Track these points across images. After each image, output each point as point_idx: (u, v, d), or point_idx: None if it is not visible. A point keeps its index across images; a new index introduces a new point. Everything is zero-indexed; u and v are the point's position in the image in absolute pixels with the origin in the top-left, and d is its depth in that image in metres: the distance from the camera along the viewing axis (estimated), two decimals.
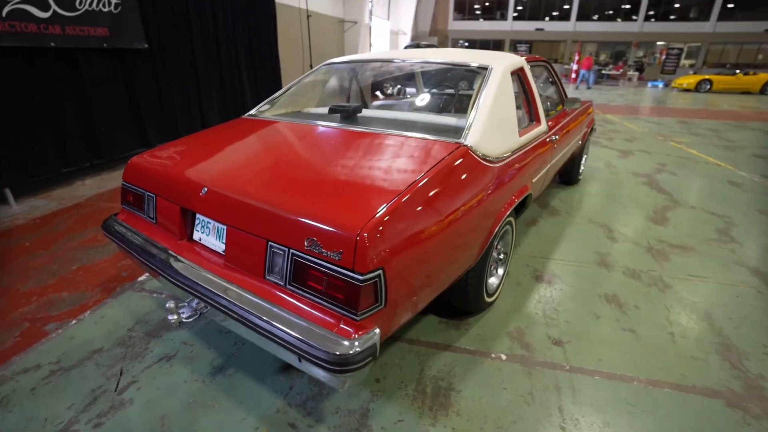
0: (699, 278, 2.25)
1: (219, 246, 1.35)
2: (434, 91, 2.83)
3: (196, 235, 1.46)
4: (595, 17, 23.86)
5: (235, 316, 1.15)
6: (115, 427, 1.33)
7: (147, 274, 2.17)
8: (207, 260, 1.36)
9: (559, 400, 1.44)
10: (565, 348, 1.70)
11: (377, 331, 1.03)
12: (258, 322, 1.09)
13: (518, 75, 2.09)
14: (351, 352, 0.96)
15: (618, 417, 1.37)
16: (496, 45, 26.31)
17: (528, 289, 2.12)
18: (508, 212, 1.62)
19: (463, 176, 1.35)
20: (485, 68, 1.82)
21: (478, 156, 1.46)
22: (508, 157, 1.66)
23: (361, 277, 0.98)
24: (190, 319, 1.32)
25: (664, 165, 4.59)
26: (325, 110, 2.07)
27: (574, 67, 19.39)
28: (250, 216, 1.21)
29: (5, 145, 3.12)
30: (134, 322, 1.84)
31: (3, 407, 1.41)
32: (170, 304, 1.30)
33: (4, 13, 3.04)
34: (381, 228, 1.03)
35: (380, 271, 1.01)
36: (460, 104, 2.53)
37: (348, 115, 1.86)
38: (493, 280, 1.93)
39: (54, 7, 3.38)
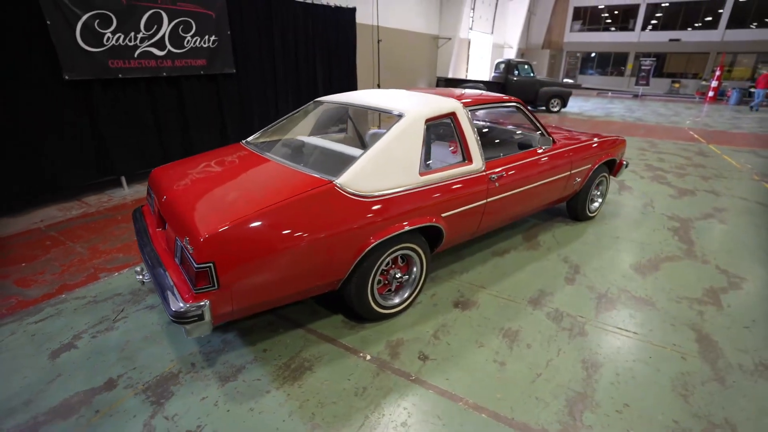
0: (626, 333, 2.18)
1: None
2: (368, 130, 3.18)
3: (167, 226, 2.16)
4: (755, 24, 19.65)
5: (155, 283, 1.78)
6: (101, 340, 2.10)
7: None
8: (161, 244, 2.04)
9: (384, 400, 1.74)
10: (426, 363, 1.95)
11: (207, 302, 1.55)
12: (159, 289, 1.70)
13: (451, 119, 2.35)
14: (182, 311, 1.50)
15: (418, 424, 1.63)
16: (618, 59, 23.60)
17: (440, 312, 2.36)
18: (381, 240, 1.93)
19: (319, 207, 1.76)
20: (400, 115, 2.16)
21: (346, 192, 1.84)
22: (394, 194, 1.98)
23: (195, 265, 1.51)
24: (149, 281, 2.01)
25: (722, 211, 4.01)
26: (295, 138, 2.63)
27: (713, 84, 16.52)
28: (174, 219, 1.83)
29: (125, 145, 4.44)
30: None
31: (55, 316, 2.30)
32: (138, 269, 2.01)
33: (135, 55, 4.35)
34: (218, 236, 1.54)
35: (211, 264, 1.52)
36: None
37: (292, 148, 2.38)
38: (395, 300, 2.25)
39: (169, 47, 4.63)
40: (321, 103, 2.88)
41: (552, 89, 11.24)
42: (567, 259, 3.00)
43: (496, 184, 2.49)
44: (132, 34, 4.26)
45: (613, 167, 3.72)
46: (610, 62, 24.00)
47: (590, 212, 3.65)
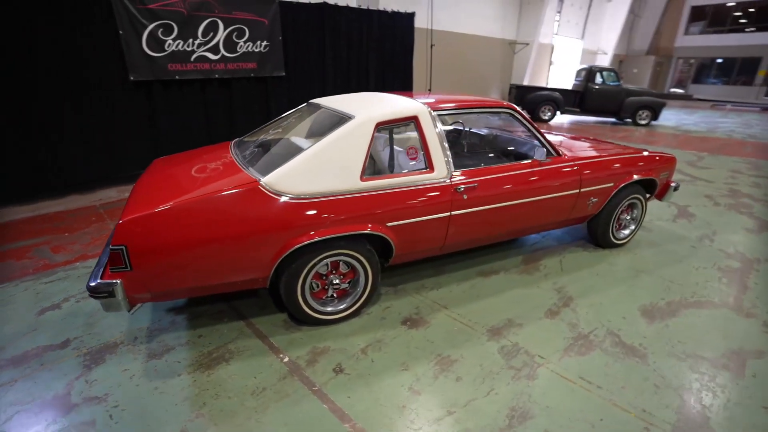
0: (587, 385, 1.82)
1: None
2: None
3: None
4: None
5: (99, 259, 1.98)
6: (81, 305, 2.40)
7: None
8: None
9: (276, 404, 1.70)
10: (337, 377, 1.86)
11: (119, 281, 1.67)
12: (96, 265, 1.89)
13: (413, 123, 2.21)
14: (94, 286, 1.65)
15: None
16: (746, 65, 19.73)
17: (384, 326, 2.22)
18: (306, 244, 1.88)
19: (236, 205, 1.79)
20: (350, 118, 2.09)
21: (270, 192, 1.84)
22: (326, 197, 1.92)
23: (110, 246, 1.65)
24: None
25: None
26: (277, 138, 2.72)
27: None
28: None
29: (180, 138, 5.01)
30: None
31: (62, 280, 2.69)
32: None
33: (192, 59, 4.90)
34: (130, 222, 1.66)
35: (123, 247, 1.64)
36: None
37: (263, 147, 2.47)
38: (330, 309, 2.18)
39: (222, 51, 5.12)
40: (314, 105, 2.93)
41: (641, 99, 9.88)
42: (562, 289, 2.61)
43: (464, 196, 2.27)
44: (190, 40, 4.81)
45: (653, 188, 3.15)
46: (734, 69, 20.24)
47: (616, 239, 3.13)
